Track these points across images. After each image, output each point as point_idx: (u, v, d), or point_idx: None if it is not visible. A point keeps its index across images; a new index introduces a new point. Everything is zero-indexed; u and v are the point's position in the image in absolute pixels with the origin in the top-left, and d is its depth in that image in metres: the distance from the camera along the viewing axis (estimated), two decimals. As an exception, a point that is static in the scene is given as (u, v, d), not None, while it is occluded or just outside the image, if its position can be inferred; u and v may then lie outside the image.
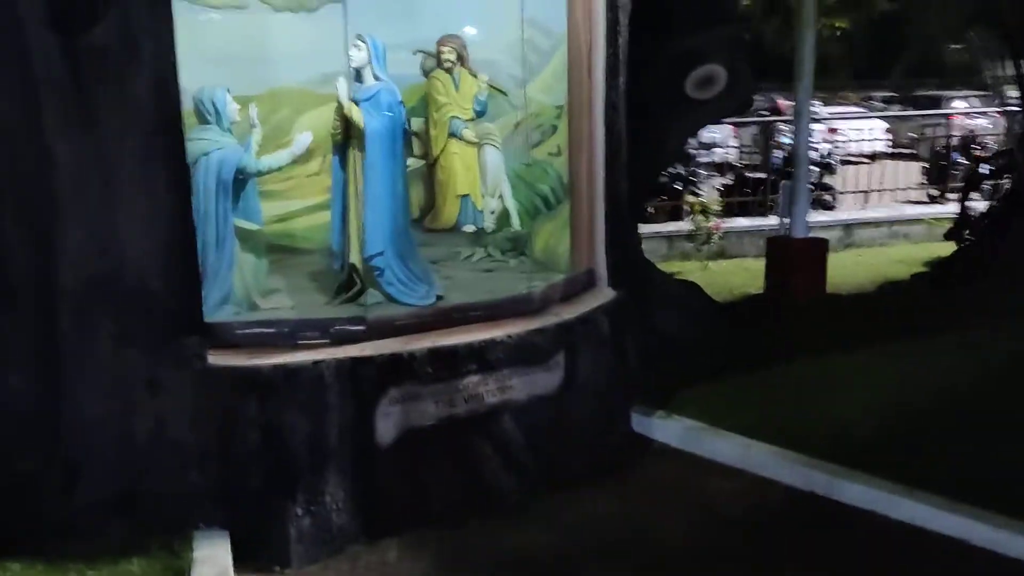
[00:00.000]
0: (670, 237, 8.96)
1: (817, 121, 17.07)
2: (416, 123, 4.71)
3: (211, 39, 3.89)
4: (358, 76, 4.07)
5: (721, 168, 12.19)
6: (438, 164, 4.74)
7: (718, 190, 11.20)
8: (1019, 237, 6.46)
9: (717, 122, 9.58)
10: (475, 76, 4.58)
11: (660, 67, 4.77)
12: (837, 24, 7.06)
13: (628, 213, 4.75)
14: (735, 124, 13.95)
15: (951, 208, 8.42)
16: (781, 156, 11.13)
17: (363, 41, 4.05)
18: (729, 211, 10.74)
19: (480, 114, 4.58)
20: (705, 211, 8.20)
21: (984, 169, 7.28)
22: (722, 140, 13.70)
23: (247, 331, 3.65)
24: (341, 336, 3.69)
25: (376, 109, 4.14)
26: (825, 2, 7.13)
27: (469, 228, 4.81)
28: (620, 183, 4.52)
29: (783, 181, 7.81)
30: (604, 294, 4.44)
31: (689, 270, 8.35)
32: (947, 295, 6.52)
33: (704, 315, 5.54)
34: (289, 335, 3.67)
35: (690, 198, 9.00)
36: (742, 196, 11.05)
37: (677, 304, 5.40)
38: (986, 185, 7.23)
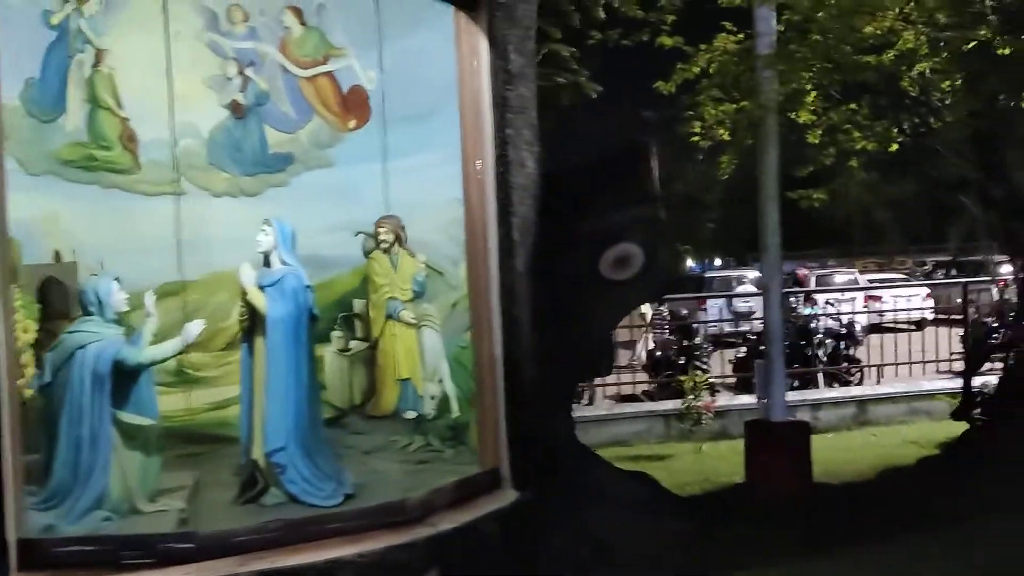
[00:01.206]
0: (667, 416, 8.46)
1: (853, 289, 16.67)
2: (358, 305, 4.61)
3: (144, 226, 3.92)
4: (266, 261, 3.93)
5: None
6: (378, 347, 4.58)
7: (732, 363, 10.69)
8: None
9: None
10: (413, 256, 4.47)
11: (579, 248, 4.51)
12: (816, 196, 6.72)
13: (543, 403, 4.34)
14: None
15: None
16: (818, 326, 10.66)
17: (270, 225, 3.96)
18: (738, 386, 10.26)
19: (419, 295, 4.46)
20: (696, 389, 7.70)
21: (994, 339, 6.69)
22: (756, 310, 13.30)
23: (66, 549, 3.28)
24: (168, 555, 3.29)
25: (280, 294, 3.95)
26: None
27: (410, 414, 4.60)
28: (523, 372, 4.14)
29: (756, 360, 7.32)
30: (503, 497, 3.97)
31: (680, 453, 7.79)
32: (950, 485, 5.82)
33: (656, 515, 4.98)
34: (112, 553, 3.28)
35: (693, 375, 8.51)
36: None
37: (621, 503, 4.87)
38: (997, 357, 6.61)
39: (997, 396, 6.41)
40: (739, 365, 10.65)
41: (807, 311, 11.73)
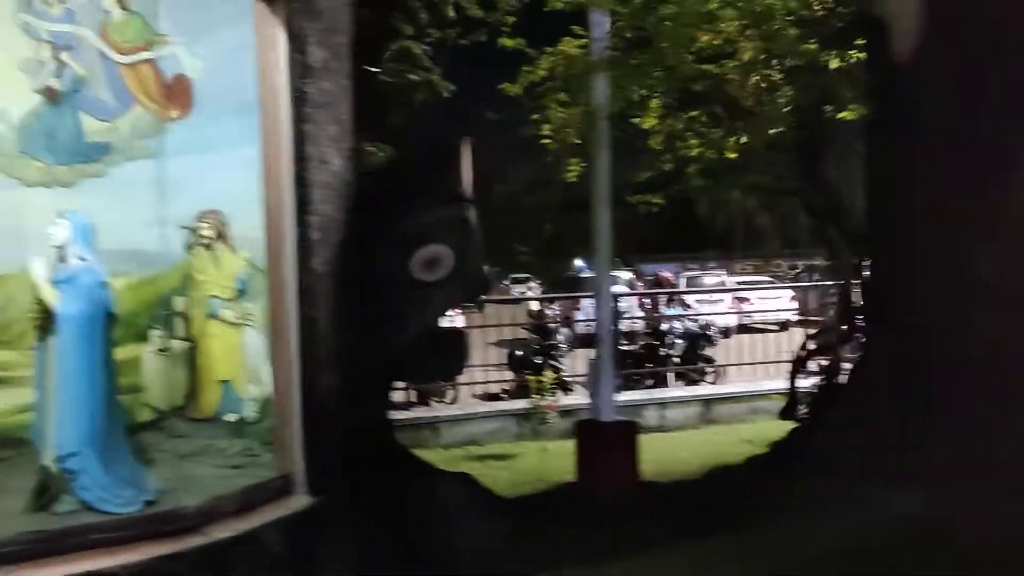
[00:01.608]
0: (519, 416, 8.52)
1: (712, 291, 17.20)
2: (179, 303, 4.43)
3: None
4: (62, 256, 3.70)
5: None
6: (198, 347, 4.40)
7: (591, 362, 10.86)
8: (834, 426, 6.07)
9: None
10: (236, 253, 4.31)
11: (392, 248, 4.45)
12: (654, 202, 6.89)
13: (351, 406, 4.26)
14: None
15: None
16: (673, 327, 10.93)
17: (64, 218, 3.74)
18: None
19: (241, 294, 4.30)
20: (541, 389, 7.77)
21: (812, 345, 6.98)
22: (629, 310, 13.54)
23: None
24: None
25: (73, 291, 3.74)
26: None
27: (230, 417, 4.45)
28: (322, 374, 4.05)
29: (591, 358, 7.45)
30: (294, 503, 3.88)
31: (527, 452, 7.85)
32: (765, 484, 6.03)
33: (473, 516, 4.97)
34: None
35: (542, 375, 8.59)
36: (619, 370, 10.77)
37: (438, 505, 4.84)
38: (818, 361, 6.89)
39: (817, 396, 6.70)
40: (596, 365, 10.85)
41: (670, 312, 12.04)
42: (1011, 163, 5.25)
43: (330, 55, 4.09)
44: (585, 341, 11.18)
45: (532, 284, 29.74)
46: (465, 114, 6.98)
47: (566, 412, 8.26)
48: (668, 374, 10.16)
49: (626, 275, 20.04)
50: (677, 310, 12.18)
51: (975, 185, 5.43)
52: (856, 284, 6.39)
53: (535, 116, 7.08)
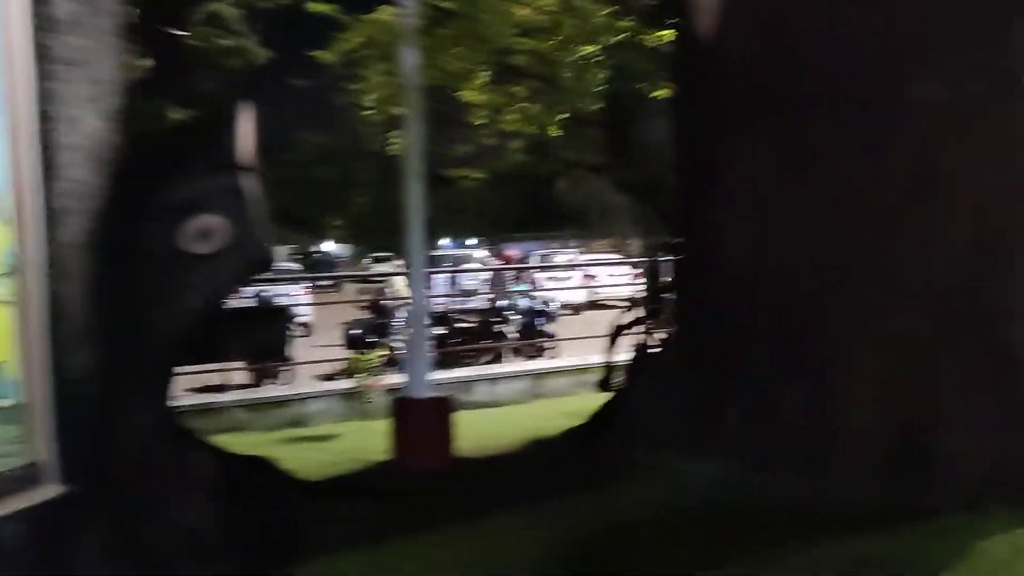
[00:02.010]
0: (347, 395, 8.33)
1: (553, 268, 17.39)
2: None
3: None
4: None
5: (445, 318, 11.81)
6: None
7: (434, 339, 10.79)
8: (640, 397, 6.19)
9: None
10: (5, 225, 3.89)
11: (161, 219, 4.15)
12: (474, 176, 6.84)
13: (117, 388, 3.97)
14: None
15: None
16: (517, 303, 10.93)
17: None
18: (441, 363, 10.39)
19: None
20: (362, 368, 7.61)
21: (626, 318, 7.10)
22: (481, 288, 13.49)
23: None
24: None
25: None
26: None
27: (5, 402, 4.04)
28: (75, 355, 3.74)
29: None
30: (41, 493, 3.57)
31: (351, 431, 7.68)
32: (580, 455, 6.11)
33: (264, 500, 4.76)
34: None
35: (368, 353, 8.41)
36: (454, 346, 10.75)
37: (223, 490, 4.60)
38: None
39: (629, 368, 6.84)
40: (440, 343, 10.79)
41: (517, 288, 12.08)
42: (809, 141, 5.43)
43: (84, 9, 3.76)
44: (436, 319, 11.13)
45: (396, 262, 29.38)
46: (281, 82, 6.66)
47: (395, 391, 8.11)
48: (505, 350, 10.18)
49: (481, 252, 20.06)
50: (524, 287, 12.24)
51: (773, 163, 5.59)
52: (666, 260, 6.53)
53: (354, 86, 6.86)
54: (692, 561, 4.23)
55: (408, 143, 5.97)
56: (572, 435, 6.60)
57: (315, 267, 30.86)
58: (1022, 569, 3.98)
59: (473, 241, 37.38)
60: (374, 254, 30.54)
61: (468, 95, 6.92)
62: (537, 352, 10.43)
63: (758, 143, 5.58)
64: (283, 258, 33.95)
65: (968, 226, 5.01)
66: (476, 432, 7.25)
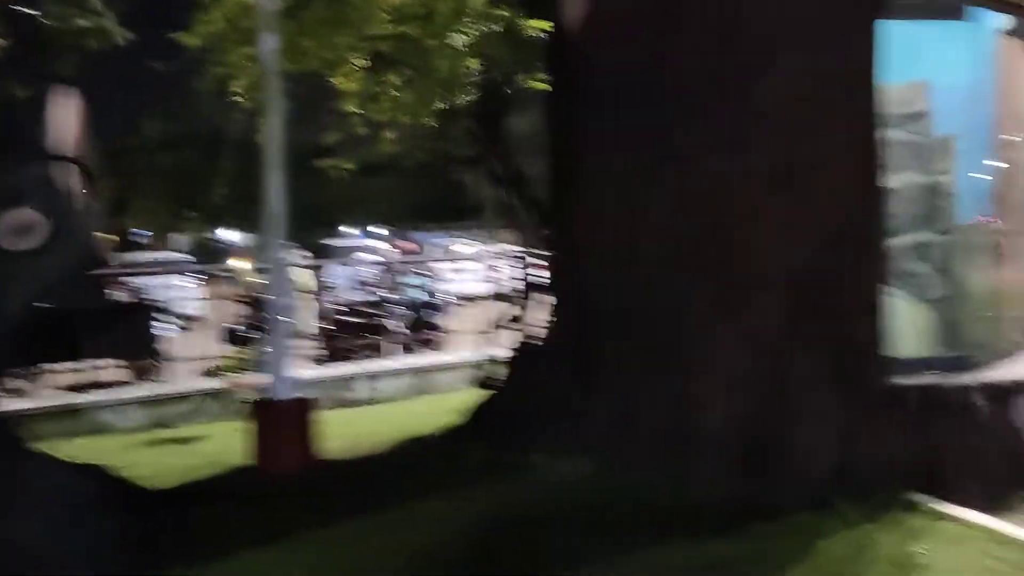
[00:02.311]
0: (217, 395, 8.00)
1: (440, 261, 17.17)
2: None
3: None
4: None
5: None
6: None
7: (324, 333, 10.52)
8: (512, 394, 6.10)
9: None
10: None
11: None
12: (344, 167, 6.61)
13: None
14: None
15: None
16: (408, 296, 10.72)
17: None
18: (334, 357, 10.15)
19: None
20: (231, 366, 7.30)
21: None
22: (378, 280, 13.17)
23: None
24: None
25: None
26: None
27: None
28: None
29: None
30: None
31: (218, 433, 7.37)
32: (453, 454, 5.98)
33: (100, 511, 4.48)
34: None
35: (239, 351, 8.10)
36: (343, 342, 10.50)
37: (55, 502, 4.31)
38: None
39: (508, 364, 6.75)
40: (325, 337, 10.53)
41: (411, 281, 11.87)
42: (672, 136, 5.39)
43: None
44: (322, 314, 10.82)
45: (300, 254, 28.69)
46: (140, 64, 6.30)
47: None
48: (390, 344, 9.98)
49: (380, 244, 19.74)
50: (416, 279, 12.04)
51: (637, 159, 5.55)
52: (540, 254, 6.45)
53: (219, 69, 6.52)
54: (546, 563, 4.17)
55: (268, 131, 5.70)
56: (448, 434, 6.47)
57: (212, 257, 29.76)
58: (863, 566, 4.03)
59: (384, 232, 36.97)
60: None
61: (339, 83, 6.66)
62: (425, 346, 10.26)
63: (623, 139, 5.53)
64: (181, 247, 32.76)
65: (820, 220, 5.06)
66: (351, 431, 7.06)
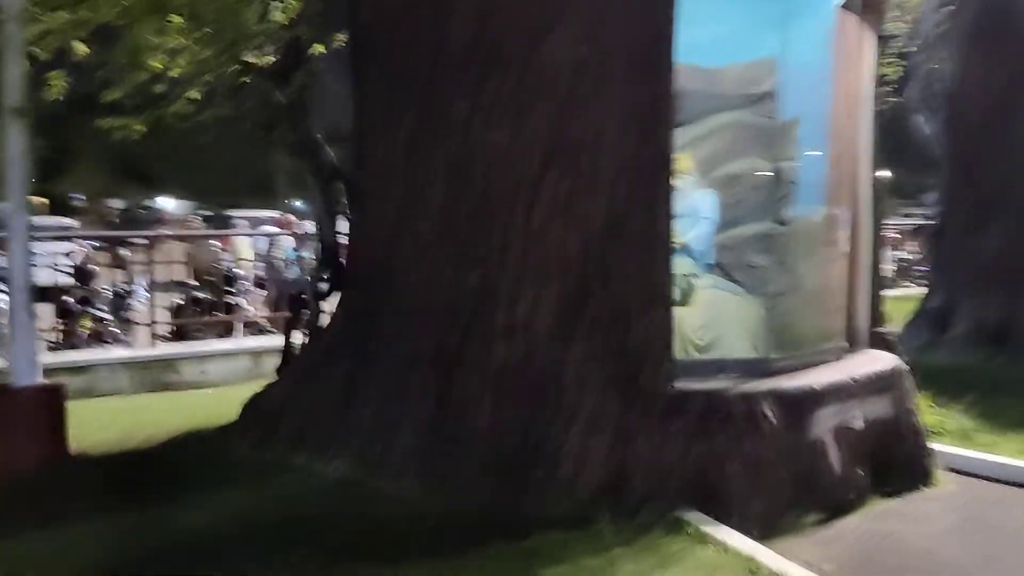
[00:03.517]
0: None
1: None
2: None
3: None
4: None
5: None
6: None
7: (169, 309, 9.82)
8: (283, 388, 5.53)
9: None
10: None
11: None
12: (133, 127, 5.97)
13: None
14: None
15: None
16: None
17: None
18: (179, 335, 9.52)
19: None
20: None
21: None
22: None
23: None
24: None
25: None
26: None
27: None
28: None
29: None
30: None
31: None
32: (215, 451, 5.41)
33: None
34: None
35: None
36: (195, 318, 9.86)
37: None
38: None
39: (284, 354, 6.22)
40: (177, 313, 9.87)
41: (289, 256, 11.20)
42: (448, 106, 4.82)
43: None
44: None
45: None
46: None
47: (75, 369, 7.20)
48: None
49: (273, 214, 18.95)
50: (290, 253, 11.31)
51: (412, 131, 4.98)
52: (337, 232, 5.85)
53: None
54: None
55: (7, 84, 5.03)
56: (227, 428, 5.86)
57: (133, 224, 28.72)
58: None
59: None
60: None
61: (134, 38, 5.98)
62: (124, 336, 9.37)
63: (404, 109, 4.94)
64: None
65: (599, 202, 4.53)
66: (138, 420, 6.45)
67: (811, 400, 4.68)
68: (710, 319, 6.07)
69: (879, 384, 5.09)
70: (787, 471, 4.49)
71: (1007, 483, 5.24)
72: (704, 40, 6.72)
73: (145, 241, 10.02)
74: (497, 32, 4.55)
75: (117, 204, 40.47)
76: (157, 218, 20.49)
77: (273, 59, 5.97)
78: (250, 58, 5.96)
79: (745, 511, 4.36)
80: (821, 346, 5.47)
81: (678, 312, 6.33)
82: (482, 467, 4.48)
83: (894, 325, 10.84)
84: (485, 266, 4.60)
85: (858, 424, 4.83)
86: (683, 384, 4.63)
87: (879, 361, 5.39)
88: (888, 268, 13.82)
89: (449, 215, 4.73)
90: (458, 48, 4.67)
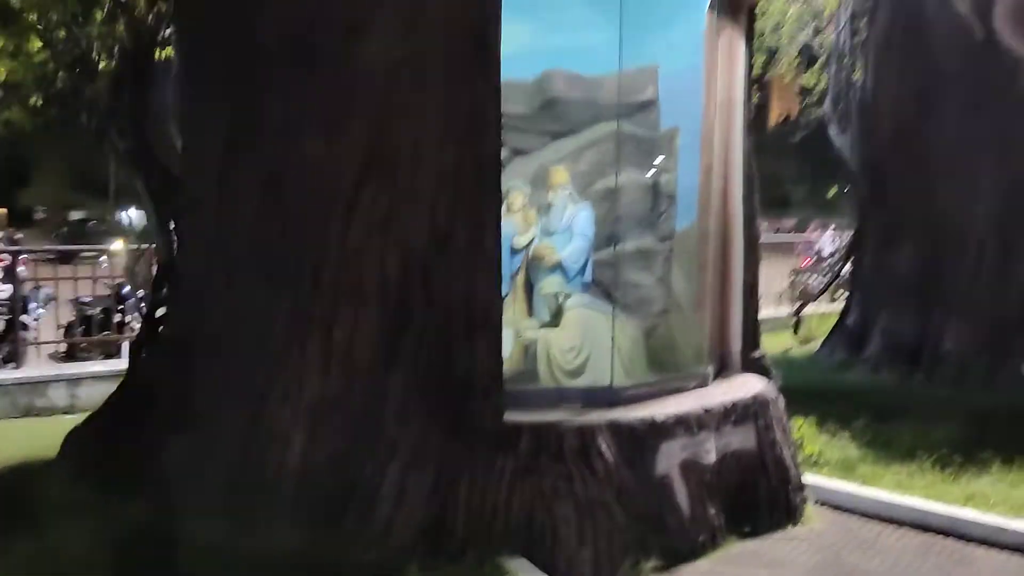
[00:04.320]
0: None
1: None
2: None
3: None
4: None
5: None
6: None
7: (63, 327, 9.27)
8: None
9: None
10: None
11: None
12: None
13: None
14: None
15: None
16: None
17: None
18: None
19: None
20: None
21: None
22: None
23: None
24: None
25: None
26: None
27: None
28: None
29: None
30: None
31: None
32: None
33: None
34: None
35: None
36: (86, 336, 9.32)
37: None
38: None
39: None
40: (68, 331, 9.34)
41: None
42: (263, 111, 4.42)
43: None
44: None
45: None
46: None
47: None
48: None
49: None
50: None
51: (225, 139, 4.56)
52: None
53: None
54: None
55: None
56: (48, 464, 5.37)
57: (76, 238, 28.17)
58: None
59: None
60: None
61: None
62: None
63: (217, 114, 4.52)
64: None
65: (421, 217, 4.13)
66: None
67: (654, 433, 4.30)
68: (581, 341, 5.70)
69: (739, 413, 4.72)
70: (626, 512, 4.11)
71: (882, 519, 4.90)
72: (583, 45, 6.37)
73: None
74: (308, 29, 4.15)
75: (77, 216, 39.74)
76: (105, 230, 19.58)
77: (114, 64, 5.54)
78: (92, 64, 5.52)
79: (575, 558, 3.97)
80: (686, 371, 5.11)
81: (547, 334, 5.96)
82: (293, 509, 4.06)
83: (811, 342, 10.63)
84: (298, 289, 4.17)
85: (710, 458, 4.45)
86: (515, 416, 4.22)
87: (744, 388, 5.03)
88: (813, 283, 13.59)
89: (262, 231, 4.31)
90: (270, 46, 4.26)
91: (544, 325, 6.06)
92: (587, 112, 6.57)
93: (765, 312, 10.55)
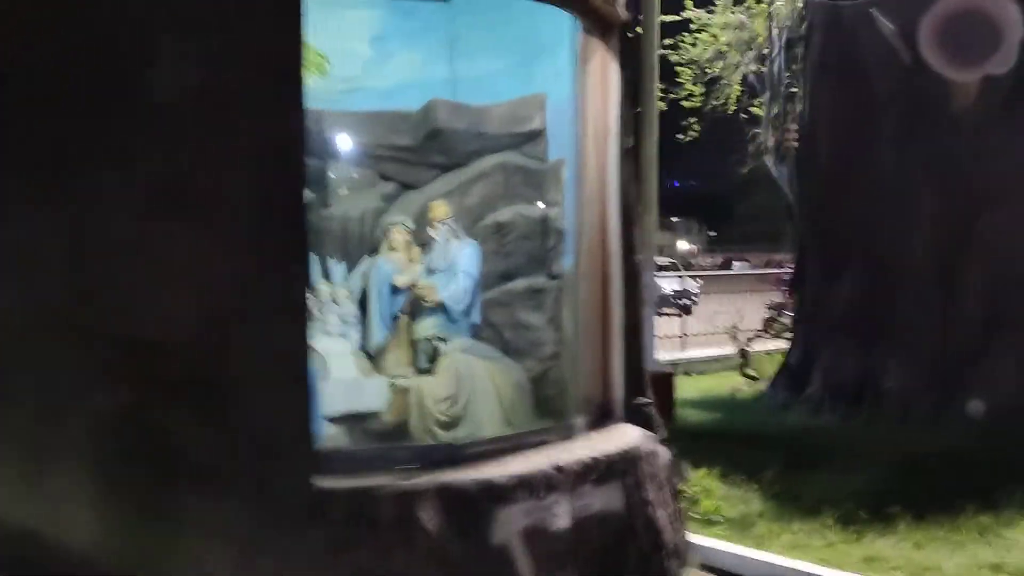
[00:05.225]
0: None
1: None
2: None
3: None
4: None
5: None
6: None
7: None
8: None
9: None
10: None
11: None
12: None
13: None
14: None
15: None
16: None
17: None
18: None
19: None
20: None
21: None
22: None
23: None
24: None
25: None
26: None
27: None
28: None
29: None
30: None
31: None
32: None
33: None
34: None
35: None
36: None
37: None
38: None
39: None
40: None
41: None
42: (61, 147, 4.01)
43: None
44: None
45: None
46: None
47: None
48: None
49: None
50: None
51: (15, 179, 4.15)
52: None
53: None
54: None
55: None
56: None
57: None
58: None
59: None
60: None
61: None
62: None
63: (15, 144, 4.11)
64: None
65: (224, 265, 3.72)
66: None
67: (491, 497, 3.83)
68: (456, 390, 5.28)
69: (602, 471, 4.26)
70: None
71: (770, 585, 4.40)
72: (470, 75, 6.04)
73: None
74: (97, 50, 3.77)
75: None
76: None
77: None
78: None
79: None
80: (545, 423, 4.66)
81: (419, 383, 5.54)
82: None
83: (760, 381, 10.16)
84: (81, 344, 3.74)
85: (561, 523, 3.98)
86: (329, 482, 3.76)
87: (616, 440, 4.58)
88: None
89: (50, 281, 3.88)
90: (60, 78, 3.87)
91: (420, 372, 5.67)
92: (474, 143, 6.24)
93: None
